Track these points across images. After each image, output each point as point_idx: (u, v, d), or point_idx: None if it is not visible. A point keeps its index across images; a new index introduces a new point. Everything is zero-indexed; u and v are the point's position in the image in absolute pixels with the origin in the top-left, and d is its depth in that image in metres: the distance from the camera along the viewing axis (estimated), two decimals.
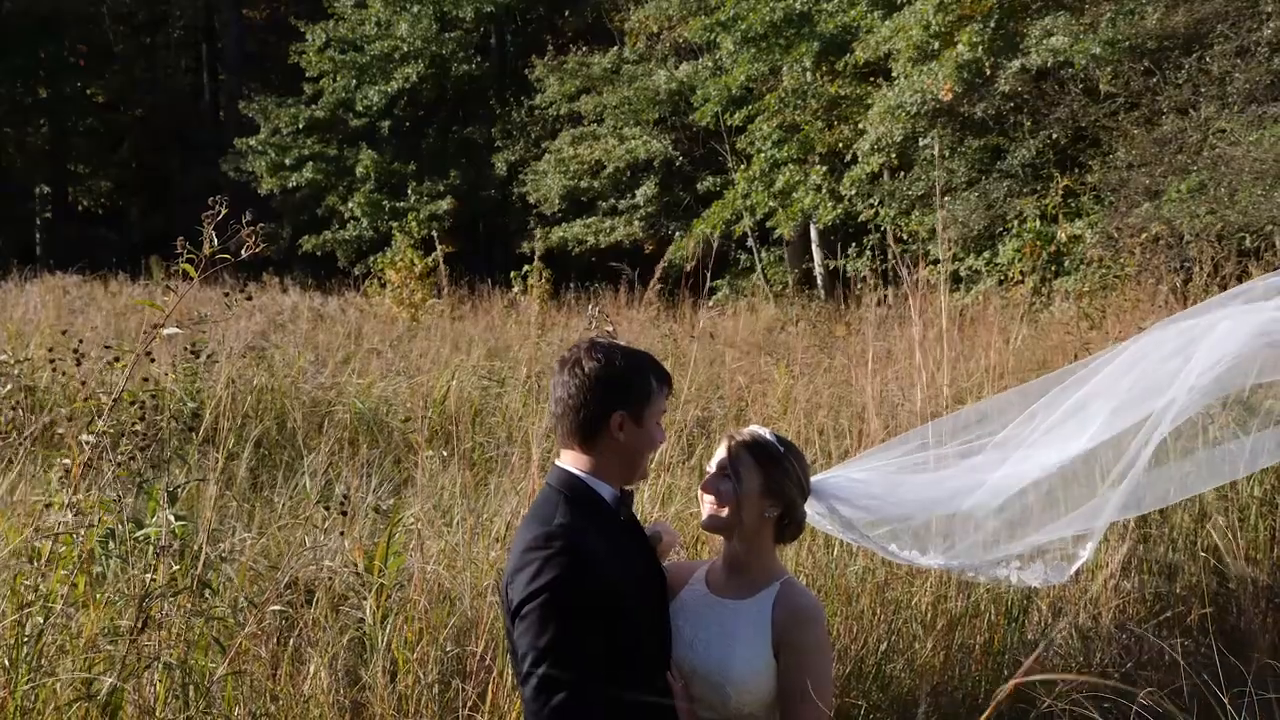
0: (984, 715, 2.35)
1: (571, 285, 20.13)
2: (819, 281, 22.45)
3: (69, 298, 17.27)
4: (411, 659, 4.96)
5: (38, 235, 36.17)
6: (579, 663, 2.87)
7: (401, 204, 28.46)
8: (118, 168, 38.53)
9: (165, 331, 4.47)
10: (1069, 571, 3.70)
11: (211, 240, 4.26)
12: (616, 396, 3.03)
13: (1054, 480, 3.65)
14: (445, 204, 27.88)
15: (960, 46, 17.60)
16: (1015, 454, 3.63)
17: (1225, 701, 4.89)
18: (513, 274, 17.55)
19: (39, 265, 24.48)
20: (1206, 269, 10.68)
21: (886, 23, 19.11)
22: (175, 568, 4.48)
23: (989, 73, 17.66)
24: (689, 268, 14.96)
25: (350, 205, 29.03)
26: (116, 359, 4.61)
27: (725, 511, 3.16)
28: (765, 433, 3.25)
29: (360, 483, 6.58)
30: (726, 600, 3.16)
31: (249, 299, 8.58)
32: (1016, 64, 17.26)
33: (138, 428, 4.73)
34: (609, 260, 22.88)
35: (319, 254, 29.58)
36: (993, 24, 17.72)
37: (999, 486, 3.59)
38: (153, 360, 4.98)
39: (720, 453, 3.23)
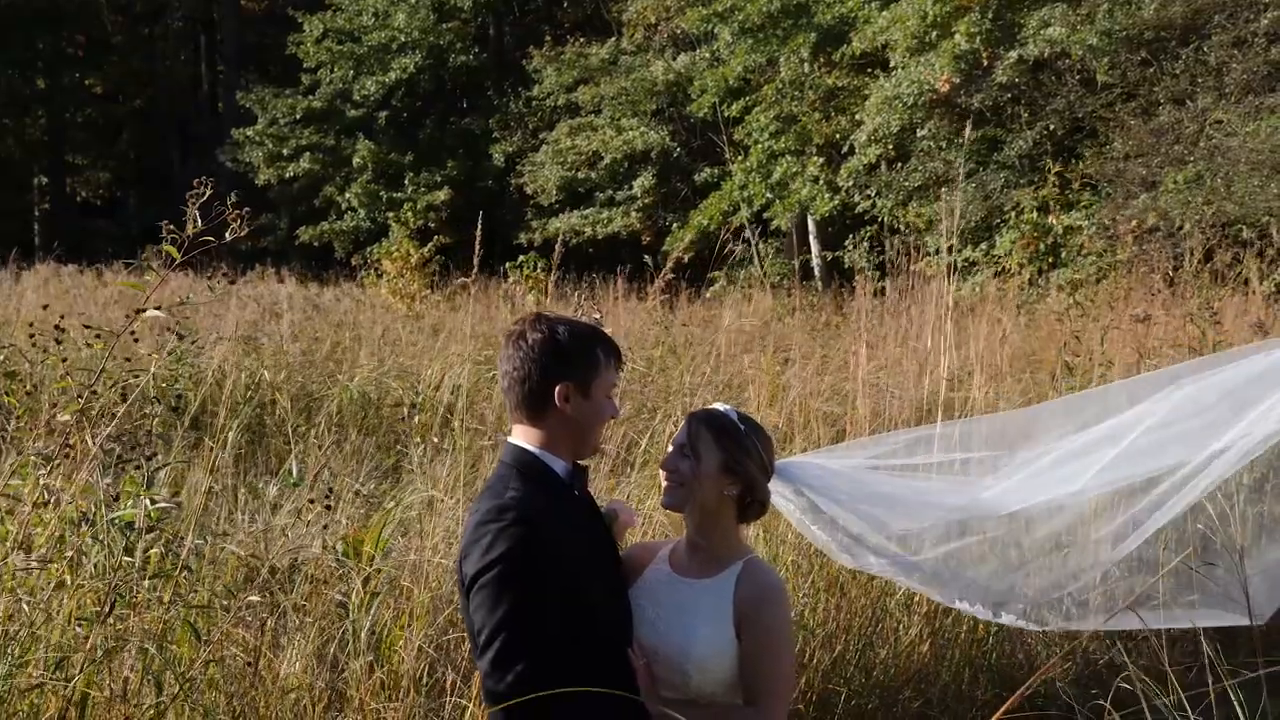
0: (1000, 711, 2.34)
1: (568, 275, 20.06)
2: (816, 273, 22.41)
3: (63, 287, 17.24)
4: (396, 645, 4.94)
5: (36, 226, 36.11)
6: (537, 634, 2.86)
7: (398, 195, 28.43)
8: (116, 159, 38.53)
9: (148, 313, 4.41)
10: (993, 618, 3.70)
11: (195, 220, 4.20)
12: (560, 367, 3.02)
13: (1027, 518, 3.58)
14: (442, 195, 27.85)
15: (958, 37, 17.56)
16: (1003, 483, 3.57)
17: (1212, 689, 4.87)
18: (508, 264, 17.51)
19: (37, 256, 24.42)
20: (1198, 255, 10.64)
21: (884, 13, 19.07)
22: (153, 551, 4.43)
23: (986, 63, 17.63)
24: (685, 259, 14.93)
25: (347, 196, 29.02)
26: (98, 336, 4.54)
27: (683, 490, 3.12)
28: (727, 410, 3.21)
29: (350, 469, 6.56)
30: (689, 579, 3.12)
31: (231, 282, 8.54)
32: (1014, 55, 17.23)
33: (119, 409, 4.67)
34: (605, 251, 22.83)
35: (316, 245, 29.57)
36: (990, 14, 17.69)
37: (979, 509, 3.54)
38: (137, 340, 4.94)
39: (681, 431, 3.20)
